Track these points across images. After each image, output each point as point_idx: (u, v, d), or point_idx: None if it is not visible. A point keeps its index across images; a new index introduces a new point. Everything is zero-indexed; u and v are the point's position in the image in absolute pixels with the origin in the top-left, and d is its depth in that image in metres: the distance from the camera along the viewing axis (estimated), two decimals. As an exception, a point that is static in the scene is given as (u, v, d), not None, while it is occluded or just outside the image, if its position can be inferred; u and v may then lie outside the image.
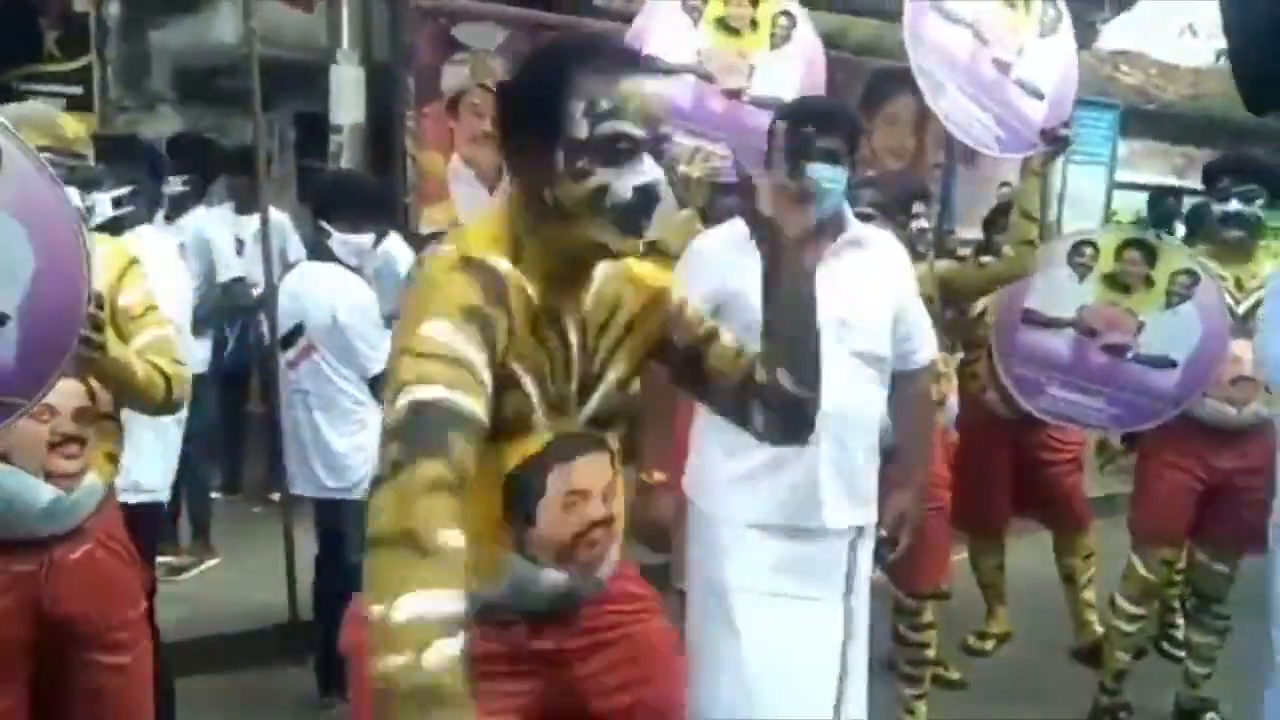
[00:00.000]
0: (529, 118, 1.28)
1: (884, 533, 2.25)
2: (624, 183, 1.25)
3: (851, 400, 2.08)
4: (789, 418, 1.46)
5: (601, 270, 1.38)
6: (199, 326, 3.51)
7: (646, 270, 1.46)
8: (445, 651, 0.99)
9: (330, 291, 2.87)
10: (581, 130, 1.24)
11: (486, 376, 1.18)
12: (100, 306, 1.67)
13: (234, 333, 4.35)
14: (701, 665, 2.12)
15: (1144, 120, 8.38)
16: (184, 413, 3.05)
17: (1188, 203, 6.24)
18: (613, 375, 1.39)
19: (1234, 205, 2.87)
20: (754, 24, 3.27)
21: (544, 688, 1.39)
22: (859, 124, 2.22)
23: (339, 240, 2.90)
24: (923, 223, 3.10)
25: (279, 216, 4.17)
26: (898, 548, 2.27)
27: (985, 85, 3.07)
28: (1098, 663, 3.27)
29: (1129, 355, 2.92)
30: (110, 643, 1.93)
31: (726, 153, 3.13)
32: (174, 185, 3.86)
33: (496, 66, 5.10)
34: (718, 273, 2.10)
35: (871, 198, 2.75)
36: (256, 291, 4.02)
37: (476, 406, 1.15)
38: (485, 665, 1.21)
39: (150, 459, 2.56)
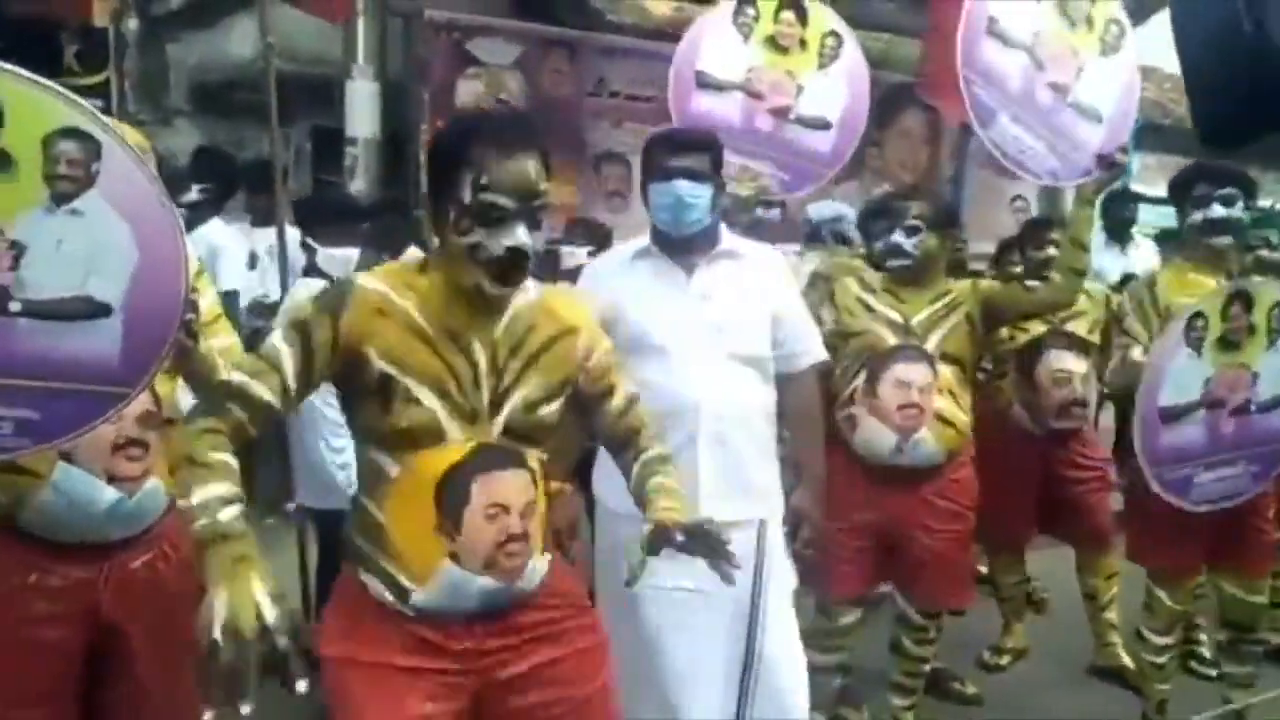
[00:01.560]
0: (435, 178, 1.57)
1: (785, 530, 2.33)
2: (496, 242, 1.52)
3: (728, 398, 2.22)
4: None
5: (518, 300, 1.62)
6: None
7: (561, 303, 1.70)
8: (228, 513, 1.36)
9: None
10: (466, 196, 1.52)
11: (289, 367, 1.49)
12: (196, 302, 1.73)
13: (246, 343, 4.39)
14: (621, 660, 2.21)
15: (1158, 134, 8.37)
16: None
17: (1149, 209, 6.17)
18: (520, 394, 1.58)
19: (1217, 211, 2.78)
20: (803, 43, 3.32)
21: (475, 684, 1.57)
22: (718, 144, 2.32)
23: (324, 256, 2.97)
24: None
25: (293, 230, 4.20)
26: (797, 543, 2.34)
27: (1040, 113, 3.02)
28: (1125, 684, 3.24)
29: (1252, 410, 2.73)
30: (164, 652, 1.93)
31: (773, 171, 3.19)
32: (191, 194, 3.91)
33: (510, 81, 5.15)
34: (604, 289, 2.30)
35: (919, 210, 2.78)
36: (268, 303, 4.06)
37: (261, 389, 1.47)
38: (420, 659, 1.52)
39: (169, 468, 2.59)
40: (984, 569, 3.81)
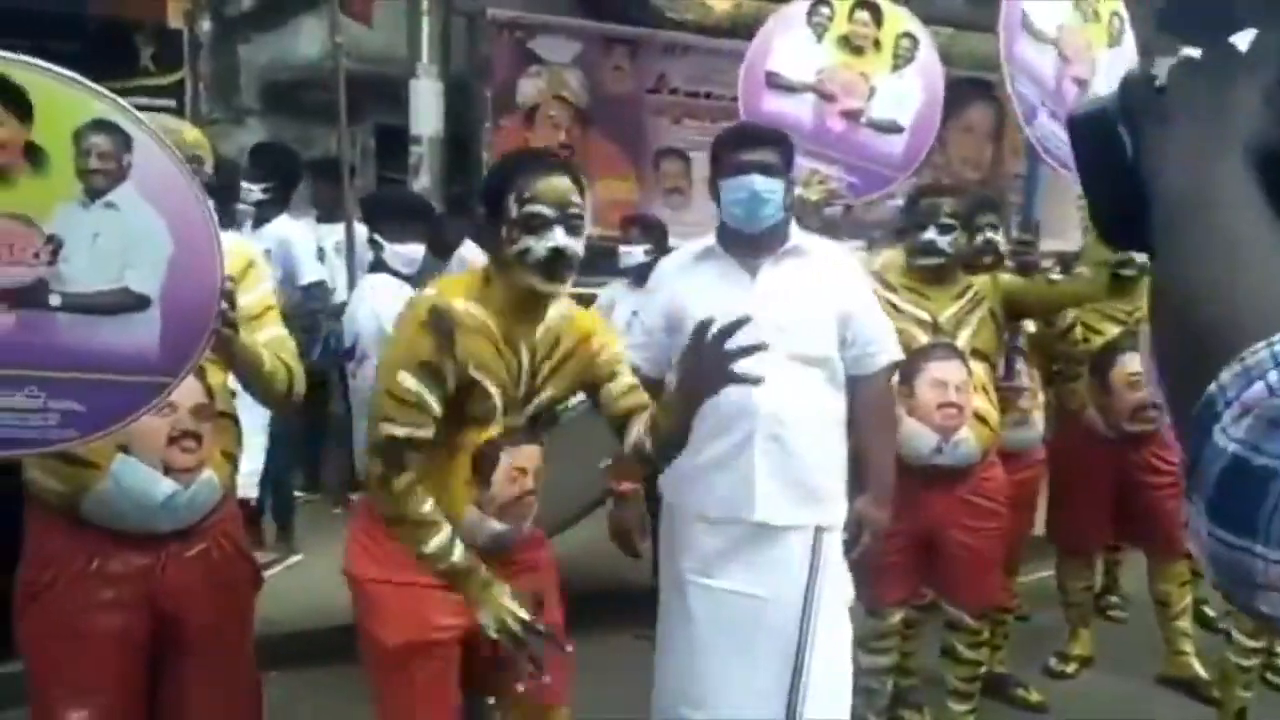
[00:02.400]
0: (489, 207, 1.88)
1: (845, 536, 2.29)
2: (540, 245, 1.81)
3: (788, 400, 2.18)
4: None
5: (552, 312, 1.93)
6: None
7: (583, 318, 2.01)
8: (458, 552, 1.80)
9: (378, 302, 2.98)
10: (513, 212, 1.82)
11: (437, 407, 1.81)
12: (232, 293, 1.75)
13: (318, 336, 4.48)
14: (663, 652, 2.31)
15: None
16: (269, 414, 3.19)
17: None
18: (547, 392, 1.94)
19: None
20: (877, 44, 3.27)
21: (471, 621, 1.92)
22: (789, 142, 2.33)
23: (390, 251, 3.01)
24: (989, 234, 3.08)
25: (361, 227, 4.29)
26: (856, 551, 2.30)
27: (1069, 106, 3.00)
28: (1196, 695, 3.16)
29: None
30: (218, 634, 1.99)
31: (843, 175, 3.16)
32: (255, 193, 4.01)
33: (572, 79, 5.18)
34: (669, 289, 2.33)
35: (951, 207, 2.74)
36: (338, 298, 4.14)
37: (425, 432, 1.80)
38: (432, 586, 1.86)
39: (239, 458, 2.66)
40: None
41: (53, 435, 1.62)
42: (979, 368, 2.73)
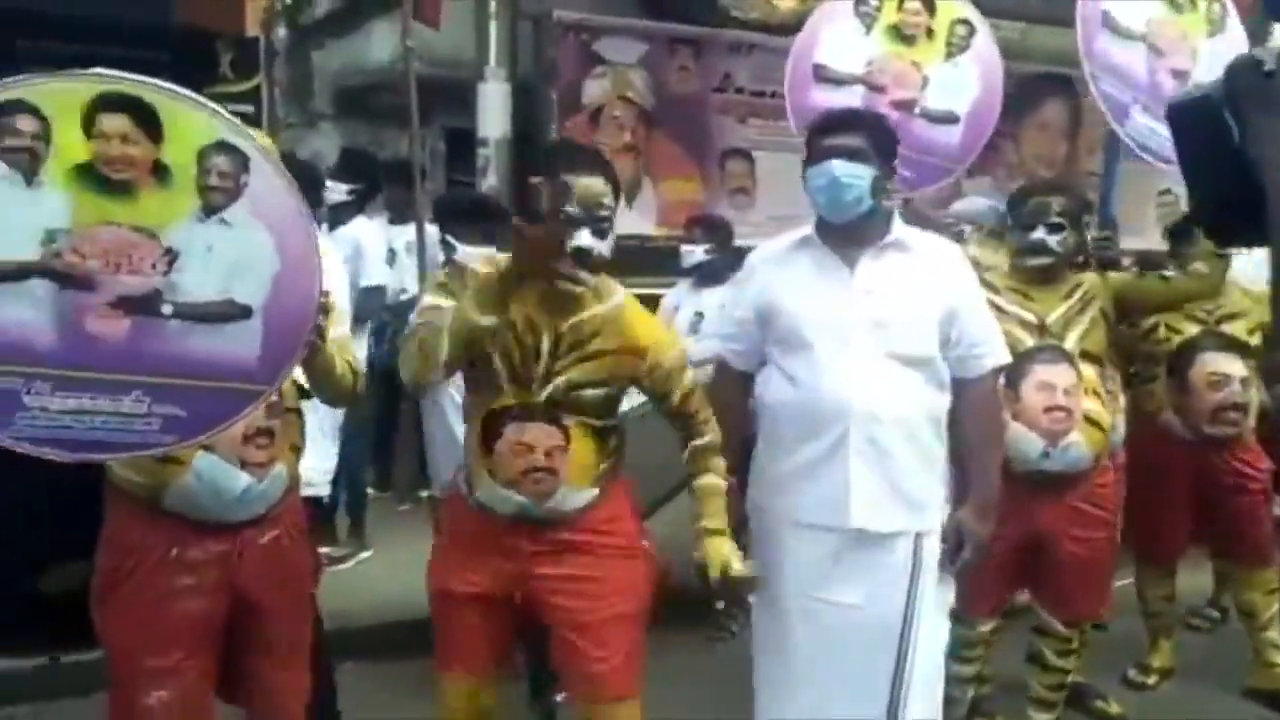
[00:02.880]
0: (528, 197, 1.92)
1: (943, 545, 2.20)
2: (568, 241, 1.89)
3: (884, 401, 2.09)
4: None
5: (598, 307, 2.00)
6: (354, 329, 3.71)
7: (638, 322, 2.05)
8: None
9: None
10: (546, 206, 1.84)
11: (447, 304, 1.99)
12: (328, 306, 1.85)
13: (388, 336, 4.57)
14: (759, 662, 2.25)
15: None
16: (343, 412, 3.26)
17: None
18: (565, 377, 1.98)
19: None
20: (930, 32, 3.19)
21: (511, 571, 2.04)
22: (885, 126, 2.24)
23: (463, 253, 3.04)
24: (1093, 232, 3.00)
25: (431, 229, 4.35)
26: (955, 562, 2.21)
27: (1166, 99, 2.92)
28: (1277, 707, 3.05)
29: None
30: (286, 619, 2.11)
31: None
32: (340, 193, 4.10)
33: (637, 79, 5.18)
34: (761, 280, 2.25)
35: (1062, 206, 2.68)
36: (406, 298, 4.22)
37: (440, 325, 1.93)
38: (471, 543, 2.05)
39: (312, 455, 2.71)
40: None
41: (153, 439, 1.72)
42: (1089, 370, 2.64)
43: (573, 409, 2.00)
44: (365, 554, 4.13)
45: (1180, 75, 2.93)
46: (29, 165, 1.62)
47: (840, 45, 3.17)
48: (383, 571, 3.96)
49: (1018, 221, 2.75)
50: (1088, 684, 3.26)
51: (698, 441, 2.08)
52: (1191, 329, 3.21)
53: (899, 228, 2.20)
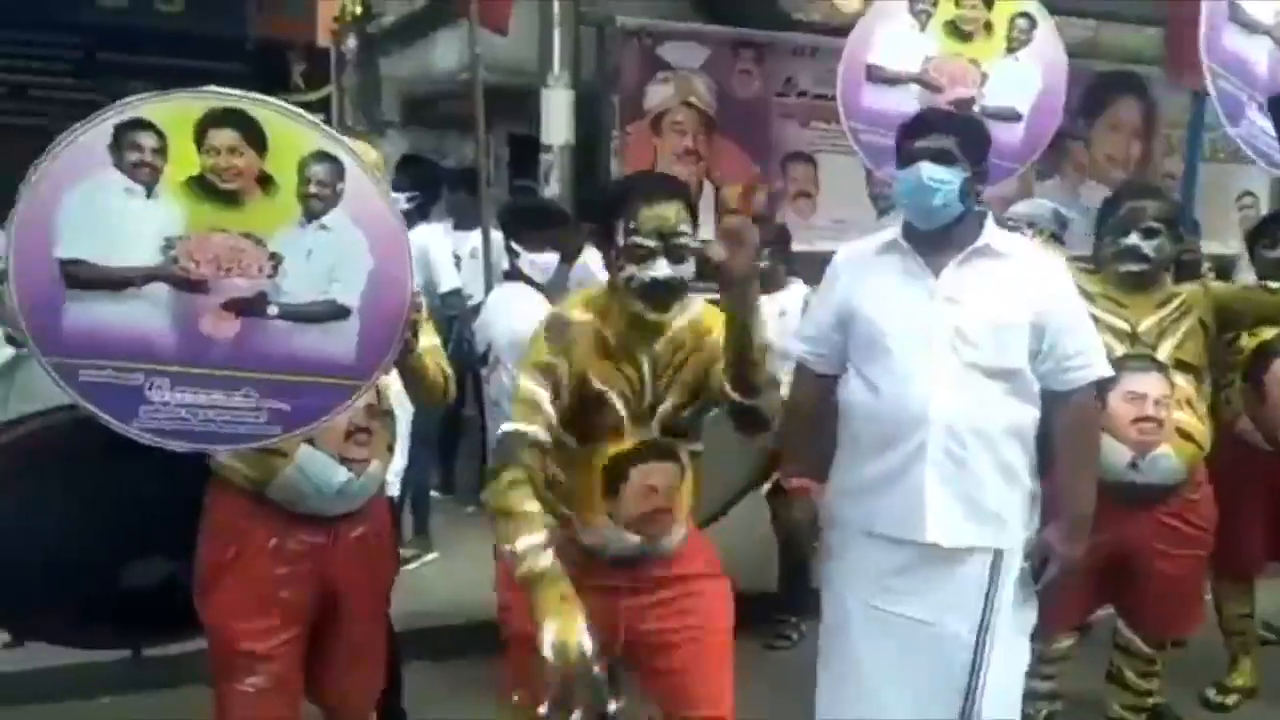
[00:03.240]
0: (603, 227, 1.94)
1: (1026, 565, 2.12)
2: (644, 274, 1.86)
3: (964, 412, 2.03)
4: None
5: (678, 321, 1.94)
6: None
7: (708, 315, 1.96)
8: (546, 559, 1.72)
9: (511, 310, 3.04)
10: (621, 240, 1.88)
11: (551, 410, 1.85)
12: (420, 306, 1.94)
13: (453, 341, 4.63)
14: (824, 669, 2.21)
15: None
16: (414, 415, 3.32)
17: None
18: (670, 401, 1.94)
19: None
20: (988, 27, 3.10)
21: (616, 606, 1.97)
22: (978, 128, 2.18)
23: (527, 260, 3.07)
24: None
25: (496, 235, 4.41)
26: (1038, 582, 2.13)
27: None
28: None
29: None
30: (368, 609, 2.22)
31: None
32: (401, 202, 4.16)
33: (699, 84, 5.19)
34: (844, 283, 2.19)
35: (1157, 211, 2.59)
36: (473, 303, 4.27)
37: (538, 429, 1.83)
38: (580, 581, 1.83)
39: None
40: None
41: (260, 431, 1.85)
42: (1184, 380, 2.53)
43: (680, 434, 1.96)
44: (431, 555, 4.20)
45: None
46: (149, 178, 1.74)
47: (895, 44, 3.11)
48: (448, 573, 4.01)
49: (1110, 226, 2.64)
50: (1165, 703, 3.16)
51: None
52: (1268, 332, 3.10)
53: (991, 232, 2.12)
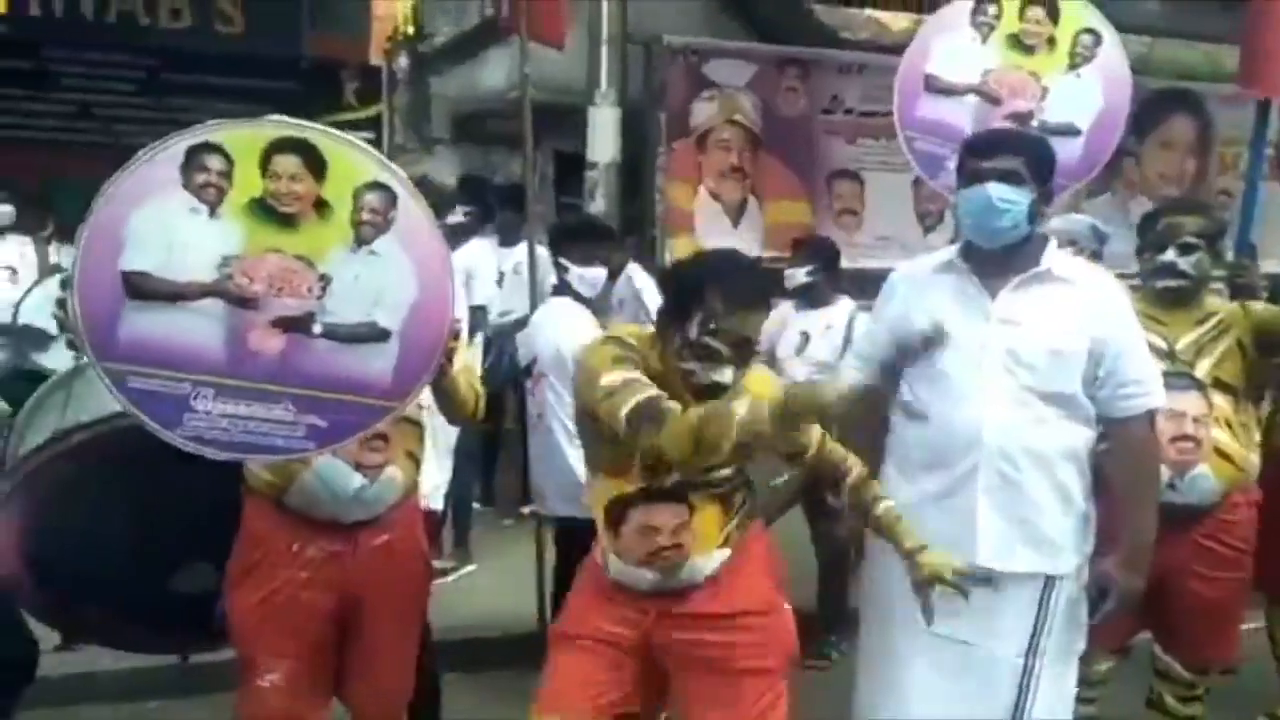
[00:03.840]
0: (674, 300, 1.88)
1: (1081, 592, 2.09)
2: (707, 375, 1.82)
3: (1018, 436, 2.02)
4: None
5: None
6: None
7: (759, 382, 1.89)
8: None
9: (558, 324, 3.07)
10: (694, 333, 1.82)
11: (645, 377, 1.79)
12: (459, 333, 2.00)
13: (493, 356, 4.67)
14: (863, 688, 2.19)
15: None
16: (458, 429, 3.36)
17: None
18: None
19: None
20: (1051, 42, 3.06)
21: (647, 624, 1.97)
22: (1044, 148, 2.16)
23: (575, 275, 3.09)
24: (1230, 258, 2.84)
25: (541, 250, 4.45)
26: (1095, 615, 2.09)
27: None
28: None
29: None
30: (393, 615, 2.23)
31: None
32: (457, 216, 4.24)
33: (745, 102, 5.21)
34: (900, 302, 2.17)
35: (1196, 226, 2.55)
36: (513, 318, 4.32)
37: (651, 390, 1.76)
38: (608, 598, 1.97)
39: (428, 469, 2.81)
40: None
41: (295, 445, 1.91)
42: (1222, 400, 2.49)
43: (702, 487, 1.92)
44: (470, 567, 4.23)
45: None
46: (214, 199, 1.83)
47: (954, 55, 3.07)
48: (487, 585, 4.04)
49: (1149, 242, 2.62)
50: (1214, 733, 3.07)
51: (851, 479, 2.01)
52: None
53: (1052, 256, 2.10)
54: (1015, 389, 2.02)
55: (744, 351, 1.84)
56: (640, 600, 1.98)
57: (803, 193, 5.32)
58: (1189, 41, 5.79)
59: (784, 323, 3.76)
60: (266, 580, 2.12)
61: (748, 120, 5.22)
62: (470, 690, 3.21)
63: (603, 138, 5.01)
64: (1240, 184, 4.38)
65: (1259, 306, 2.65)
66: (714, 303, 1.80)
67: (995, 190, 2.01)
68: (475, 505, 4.59)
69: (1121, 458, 2.10)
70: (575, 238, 3.17)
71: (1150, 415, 2.13)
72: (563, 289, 3.17)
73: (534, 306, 3.49)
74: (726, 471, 1.91)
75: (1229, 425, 2.50)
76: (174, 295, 1.82)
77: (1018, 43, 3.08)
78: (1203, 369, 2.50)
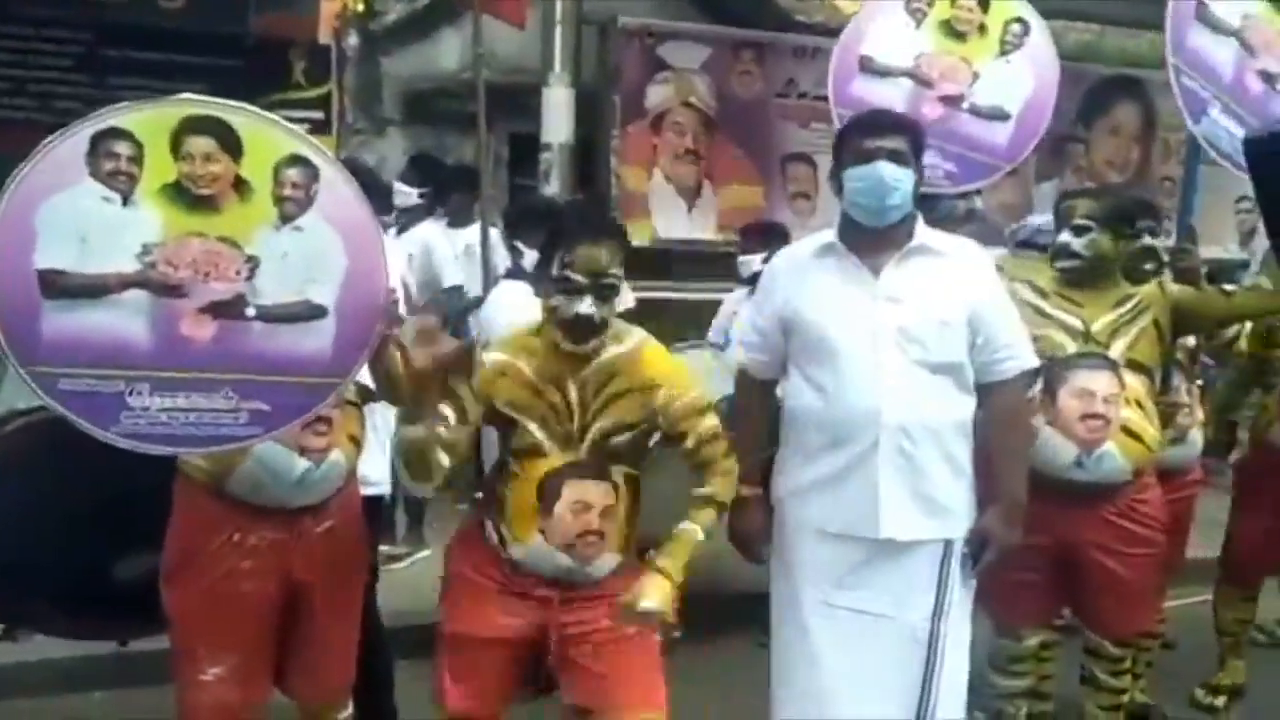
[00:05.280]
0: (543, 254, 2.06)
1: (966, 550, 2.18)
2: (569, 308, 1.99)
3: (913, 409, 2.08)
4: None
5: (610, 350, 2.05)
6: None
7: (651, 359, 2.08)
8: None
9: (510, 308, 3.05)
10: (555, 271, 2.00)
11: (454, 418, 2.01)
12: (396, 303, 1.97)
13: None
14: (778, 667, 2.24)
15: None
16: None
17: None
18: (598, 425, 2.03)
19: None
20: (983, 29, 3.17)
21: (538, 622, 2.07)
22: (920, 130, 2.23)
23: (530, 258, 3.08)
24: (1147, 240, 2.91)
25: (493, 232, 4.40)
26: (976, 567, 2.19)
27: (1250, 101, 2.83)
28: None
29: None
30: (336, 604, 2.22)
31: (938, 162, 3.06)
32: (410, 198, 4.17)
33: (700, 84, 5.19)
34: (783, 289, 2.22)
35: (1087, 209, 2.62)
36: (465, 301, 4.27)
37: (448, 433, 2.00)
38: (499, 589, 2.07)
39: (375, 455, 2.77)
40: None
41: (241, 432, 1.86)
42: (1135, 380, 2.55)
43: (613, 458, 2.05)
44: (424, 553, 4.20)
45: (1270, 78, 2.83)
46: (126, 186, 1.75)
47: (889, 39, 3.17)
48: (439, 571, 4.01)
49: (1056, 225, 2.71)
50: (1153, 703, 3.16)
51: (701, 490, 2.09)
52: None
53: (922, 231, 2.18)
54: (908, 364, 2.10)
55: (603, 287, 1.98)
56: (540, 588, 2.05)
57: (757, 176, 5.33)
58: (1136, 31, 5.88)
59: (735, 307, 3.77)
60: (206, 571, 2.07)
61: (702, 103, 5.21)
62: (424, 677, 3.16)
63: (557, 119, 4.97)
64: (1182, 170, 4.48)
65: (1176, 287, 2.72)
66: (568, 240, 1.99)
67: (885, 169, 2.08)
68: (429, 490, 4.56)
69: (997, 419, 2.20)
70: (531, 220, 3.15)
71: (1022, 377, 2.23)
72: (517, 272, 3.15)
73: (487, 289, 3.46)
74: (624, 439, 2.04)
75: (1140, 405, 2.55)
76: (95, 290, 1.75)
77: (950, 29, 3.19)
78: (1117, 349, 2.57)
